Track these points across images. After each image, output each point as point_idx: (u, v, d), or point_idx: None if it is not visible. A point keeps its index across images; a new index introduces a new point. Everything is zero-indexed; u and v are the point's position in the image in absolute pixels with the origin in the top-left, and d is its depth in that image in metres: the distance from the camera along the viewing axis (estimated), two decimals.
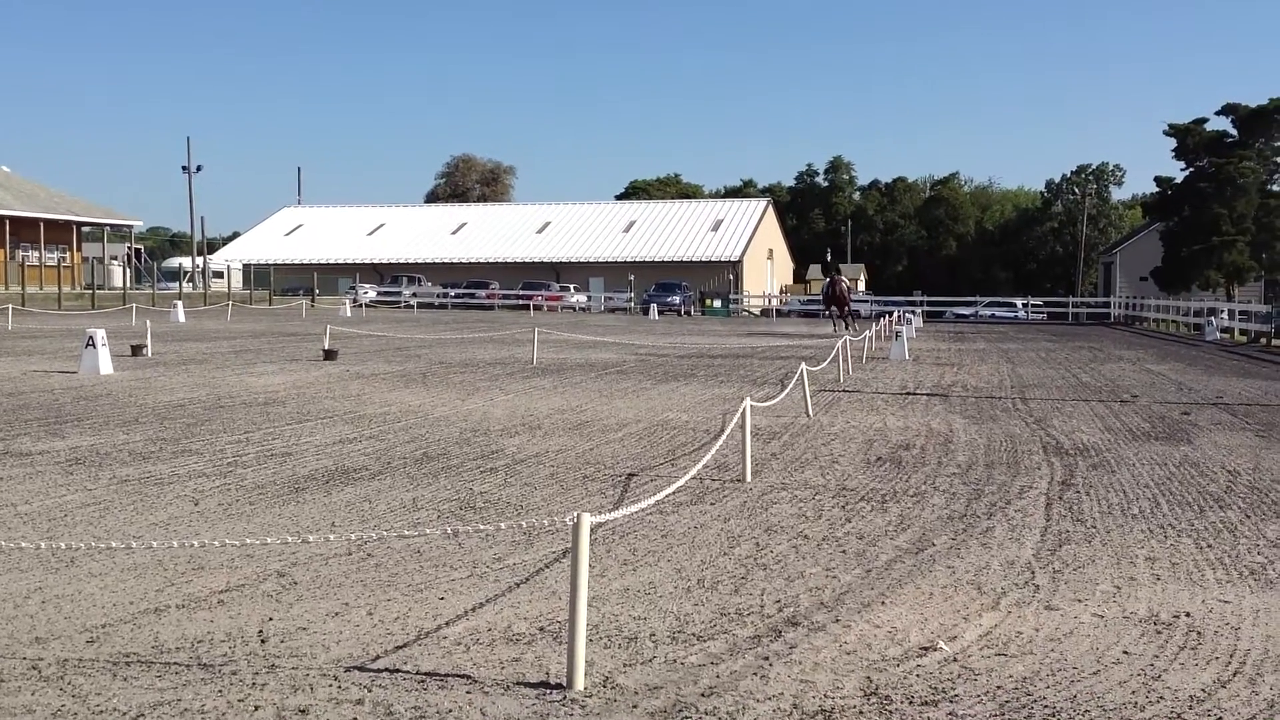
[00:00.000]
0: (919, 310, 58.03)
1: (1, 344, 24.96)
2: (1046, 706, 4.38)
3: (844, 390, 16.81)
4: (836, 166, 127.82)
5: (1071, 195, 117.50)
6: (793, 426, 12.47)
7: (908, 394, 16.58)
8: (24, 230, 63.78)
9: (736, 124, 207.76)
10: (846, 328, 37.90)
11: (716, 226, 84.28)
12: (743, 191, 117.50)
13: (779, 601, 5.73)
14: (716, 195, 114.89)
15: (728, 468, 9.59)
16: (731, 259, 79.38)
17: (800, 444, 11.25)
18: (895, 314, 36.20)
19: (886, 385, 17.96)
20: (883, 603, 5.74)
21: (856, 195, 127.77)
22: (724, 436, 9.29)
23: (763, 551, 6.79)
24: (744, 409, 9.18)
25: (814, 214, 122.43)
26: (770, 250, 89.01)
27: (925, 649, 5.04)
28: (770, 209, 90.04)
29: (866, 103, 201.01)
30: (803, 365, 14.00)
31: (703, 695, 4.40)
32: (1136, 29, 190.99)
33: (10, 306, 37.01)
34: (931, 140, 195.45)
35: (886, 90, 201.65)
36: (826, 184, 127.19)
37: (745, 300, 74.44)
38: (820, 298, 45.84)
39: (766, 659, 4.85)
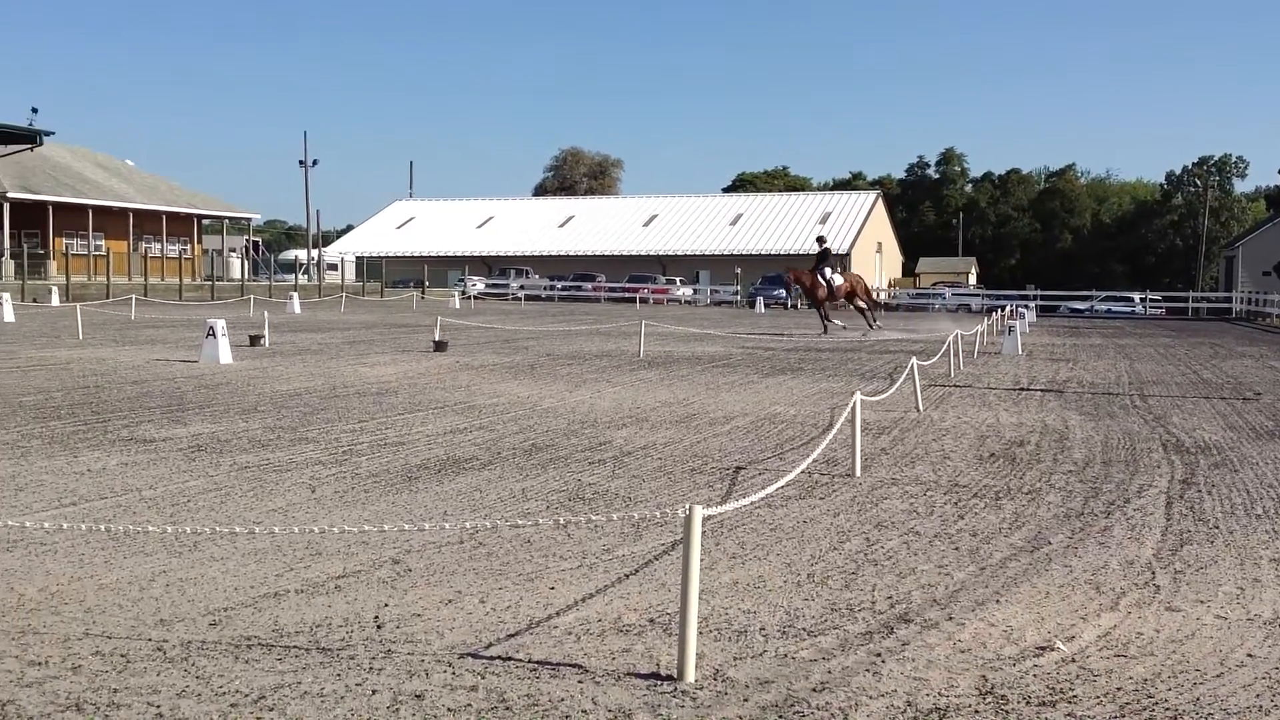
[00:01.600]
0: (1032, 305, 57.02)
1: (125, 333, 25.73)
2: (1168, 709, 4.28)
3: (955, 385, 16.57)
4: (948, 158, 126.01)
5: (1192, 187, 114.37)
6: (903, 421, 12.33)
7: (1021, 389, 16.29)
8: (147, 223, 65.62)
9: (846, 116, 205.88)
10: (869, 324, 33.74)
11: (824, 219, 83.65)
12: (852, 184, 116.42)
13: (890, 598, 5.67)
14: (825, 188, 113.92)
15: (837, 462, 9.51)
16: (840, 252, 78.65)
17: (911, 439, 11.11)
18: (1008, 309, 35.61)
19: (999, 380, 17.68)
20: (997, 601, 5.65)
21: (968, 187, 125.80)
22: (834, 431, 9.22)
23: (873, 547, 6.72)
24: (854, 403, 9.10)
25: (924, 206, 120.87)
26: (879, 243, 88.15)
27: (1042, 649, 4.95)
28: (880, 201, 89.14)
29: (980, 93, 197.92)
30: (913, 359, 13.84)
31: (814, 690, 4.38)
32: (1261, 19, 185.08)
33: (134, 297, 38.14)
34: (1047, 131, 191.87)
35: (1001, 80, 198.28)
36: (938, 176, 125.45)
37: None
38: (791, 286, 36.60)
39: (879, 655, 4.80)
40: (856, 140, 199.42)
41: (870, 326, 33.45)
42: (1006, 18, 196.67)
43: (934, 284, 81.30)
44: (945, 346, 19.14)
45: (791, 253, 79.03)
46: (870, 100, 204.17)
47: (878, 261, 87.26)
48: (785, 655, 4.77)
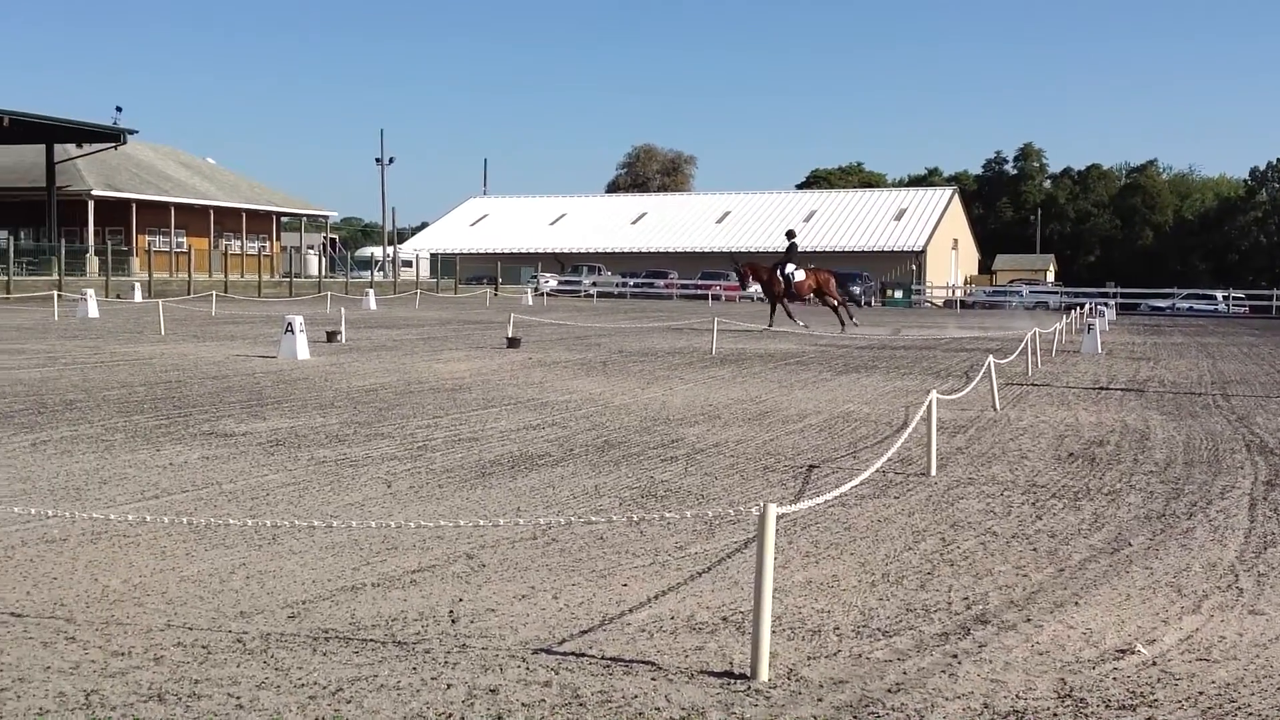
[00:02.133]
0: (1112, 303, 56.14)
1: (206, 329, 26.17)
2: (1251, 714, 4.19)
3: (1032, 384, 16.36)
4: (1026, 154, 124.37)
5: (1277, 184, 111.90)
6: (979, 420, 12.20)
7: (1101, 388, 16.05)
8: (227, 220, 66.69)
9: (922, 111, 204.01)
10: (842, 322, 31.70)
11: (899, 216, 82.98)
12: (927, 180, 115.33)
13: (967, 599, 5.61)
14: (900, 184, 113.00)
15: (911, 461, 9.43)
16: (914, 249, 78.08)
17: (987, 438, 10.99)
18: (1087, 306, 35.08)
19: (1078, 379, 17.42)
20: (1076, 603, 5.57)
21: (1047, 183, 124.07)
22: (909, 430, 9.14)
23: (949, 547, 6.66)
24: (929, 401, 9.01)
25: (1001, 203, 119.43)
26: (955, 240, 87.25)
27: (1122, 651, 4.87)
28: (956, 198, 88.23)
29: (1058, 87, 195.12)
30: (990, 358, 13.68)
31: (889, 691, 4.34)
32: None
33: (214, 293, 38.78)
34: (1128, 126, 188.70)
35: (1080, 75, 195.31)
36: (1015, 172, 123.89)
37: (928, 291, 73.11)
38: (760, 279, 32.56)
39: (955, 657, 4.76)
40: (932, 136, 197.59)
41: (843, 325, 31.48)
42: (1083, 10, 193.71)
43: (1011, 281, 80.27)
44: (1023, 344, 18.90)
45: (865, 249, 78.53)
46: (947, 95, 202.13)
47: (953, 259, 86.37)
48: (860, 655, 4.74)
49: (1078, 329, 28.81)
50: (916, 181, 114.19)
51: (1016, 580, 5.96)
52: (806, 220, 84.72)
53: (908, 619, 5.26)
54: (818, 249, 79.21)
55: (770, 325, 31.08)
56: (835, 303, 32.50)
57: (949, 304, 69.10)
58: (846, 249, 79.05)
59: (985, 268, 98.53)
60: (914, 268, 76.43)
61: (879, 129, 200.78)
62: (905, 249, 78.08)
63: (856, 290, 66.93)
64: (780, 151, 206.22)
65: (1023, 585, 5.87)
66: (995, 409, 13.02)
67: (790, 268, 31.77)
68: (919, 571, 6.11)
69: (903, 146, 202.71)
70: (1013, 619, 5.29)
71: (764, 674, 4.40)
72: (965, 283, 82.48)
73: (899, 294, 68.42)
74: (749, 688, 4.34)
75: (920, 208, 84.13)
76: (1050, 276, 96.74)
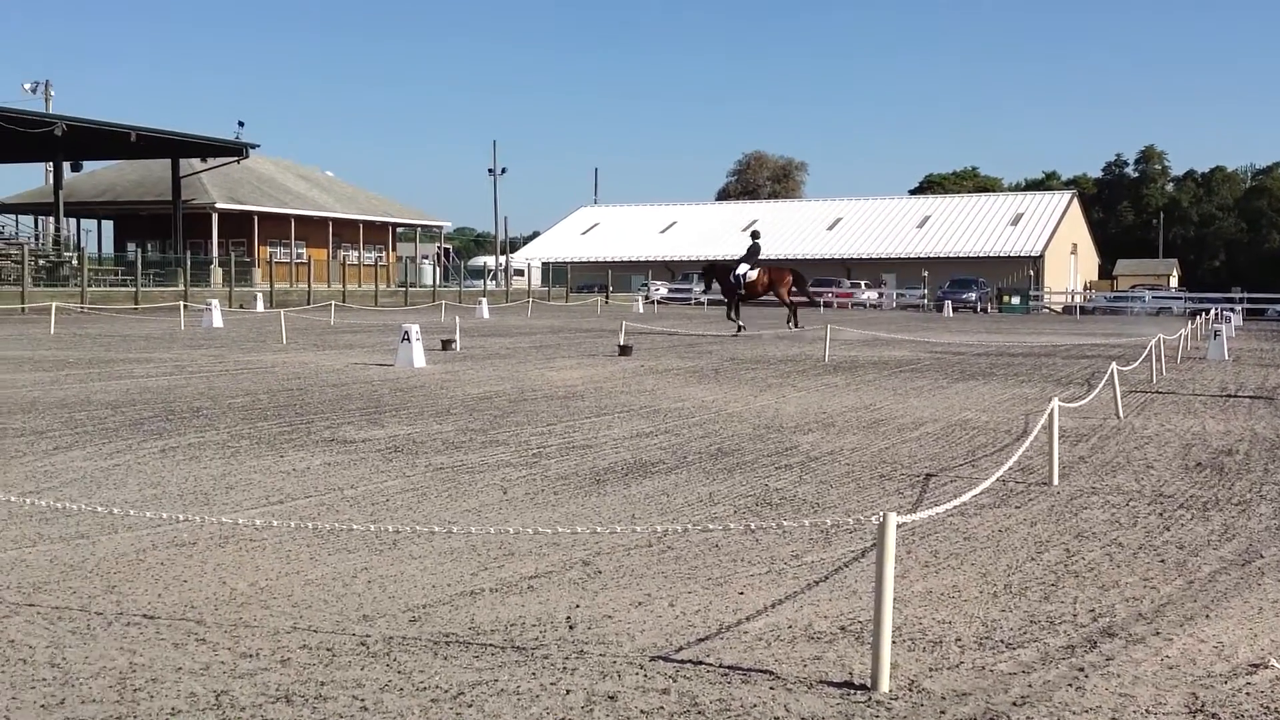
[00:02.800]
0: (1238, 308, 54.52)
1: (325, 338, 26.71)
2: None
3: (1157, 391, 15.95)
4: (1148, 156, 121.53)
5: None
6: (1101, 429, 11.92)
7: (1228, 396, 15.58)
8: (345, 231, 68.04)
9: (1038, 114, 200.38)
10: (787, 322, 31.25)
11: (1016, 220, 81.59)
12: (1045, 184, 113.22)
13: (1093, 611, 5.47)
14: (1016, 188, 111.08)
15: (1032, 470, 9.25)
16: (1032, 254, 76.71)
17: (1110, 447, 10.73)
18: (1212, 312, 34.12)
19: (1204, 386, 16.94)
20: (1206, 616, 5.40)
21: (1169, 186, 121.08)
22: (1030, 438, 8.97)
23: (1073, 558, 6.51)
24: (1051, 409, 8.83)
25: (1122, 206, 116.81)
26: (1074, 245, 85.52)
27: (1255, 666, 4.71)
28: (1075, 202, 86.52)
29: (1181, 88, 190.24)
30: (1113, 365, 13.36)
31: (1014, 704, 4.25)
32: None
33: (333, 303, 39.57)
34: (1253, 127, 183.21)
35: (1203, 74, 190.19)
36: (1136, 175, 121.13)
37: (1046, 297, 71.72)
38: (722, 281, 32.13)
39: (1081, 670, 4.64)
40: (1050, 139, 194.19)
41: (788, 323, 30.89)
42: (1205, 10, 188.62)
43: (1132, 287, 78.47)
44: (1146, 351, 18.44)
45: (981, 255, 77.35)
46: (1065, 97, 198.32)
47: (1072, 264, 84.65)
48: (983, 667, 4.66)
49: (1203, 335, 28.02)
50: (1034, 185, 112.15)
51: (1144, 592, 5.81)
52: (920, 226, 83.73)
53: (1032, 631, 5.15)
54: (931, 255, 78.25)
55: (735, 324, 30.88)
56: (785, 300, 32.03)
57: (1068, 310, 67.74)
58: (961, 255, 77.95)
59: (1106, 273, 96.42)
60: (1031, 273, 75.07)
61: (995, 132, 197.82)
62: (1022, 254, 76.74)
63: (973, 296, 65.98)
64: (893, 156, 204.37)
65: (1150, 598, 5.72)
66: (1119, 417, 12.72)
67: (744, 268, 31.74)
68: (1042, 583, 5.98)
69: (1019, 150, 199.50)
70: (1141, 632, 5.15)
71: (885, 685, 4.35)
72: (1085, 288, 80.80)
73: (1016, 300, 67.23)
74: (869, 699, 4.29)
75: (1038, 212, 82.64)
76: (1173, 282, 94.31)
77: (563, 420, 12.20)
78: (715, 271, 32.94)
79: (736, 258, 32.64)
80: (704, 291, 37.71)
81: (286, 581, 5.79)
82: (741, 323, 31.16)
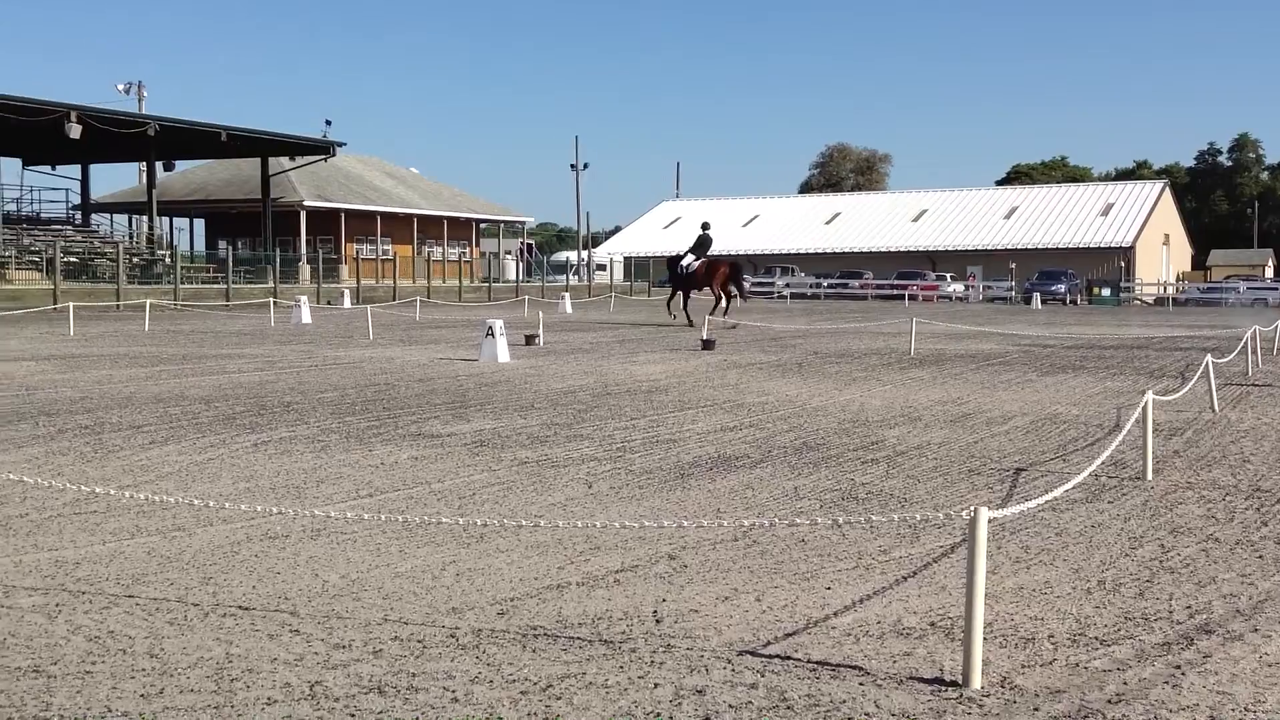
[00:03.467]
0: None
1: (411, 333, 27.01)
2: None
3: (1254, 384, 15.58)
4: (1241, 144, 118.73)
5: None
6: (1196, 422, 11.67)
7: None
8: (430, 228, 68.76)
9: (1128, 102, 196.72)
10: (712, 311, 29.41)
11: (1106, 211, 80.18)
12: (1135, 173, 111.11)
13: (1189, 607, 5.36)
14: (1106, 178, 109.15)
15: (1125, 465, 9.08)
16: (1122, 245, 75.35)
17: (1205, 441, 10.51)
18: None
19: None
20: None
21: (1264, 175, 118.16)
22: (1123, 433, 8.80)
23: (1169, 554, 6.38)
24: (1145, 402, 8.66)
25: (1215, 196, 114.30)
26: (1166, 235, 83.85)
27: None
28: (1166, 191, 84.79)
29: (1275, 74, 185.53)
30: (1207, 357, 13.07)
31: (1109, 702, 4.18)
32: None
33: (418, 299, 39.99)
34: None
35: None
36: (1230, 163, 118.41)
37: (1138, 288, 70.41)
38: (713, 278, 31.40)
39: (1178, 667, 4.55)
40: (1140, 128, 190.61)
41: (710, 312, 28.71)
42: None
43: (1226, 277, 76.70)
44: (1242, 343, 18.02)
45: (1070, 246, 76.15)
46: (1155, 85, 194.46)
47: (1164, 255, 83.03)
48: (1077, 664, 4.58)
49: None
50: (1124, 175, 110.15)
51: (1242, 589, 5.68)
52: (1007, 217, 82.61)
53: (1127, 628, 5.06)
54: (1019, 246, 77.16)
55: (690, 322, 30.18)
56: (715, 292, 31.24)
57: (1160, 301, 66.44)
58: (1050, 246, 76.79)
59: (1199, 264, 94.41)
60: (1122, 264, 73.74)
61: (1083, 122, 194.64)
62: (1112, 245, 75.41)
63: (1061, 288, 64.92)
64: (979, 147, 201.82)
65: (1248, 594, 5.59)
66: (1214, 410, 12.44)
67: (689, 258, 31.84)
68: (1137, 579, 5.87)
69: (1109, 139, 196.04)
70: (1239, 629, 5.04)
71: (977, 682, 4.29)
72: (1177, 279, 79.18)
73: (1106, 292, 66.08)
74: (961, 695, 4.24)
75: (1128, 202, 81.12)
76: (1269, 272, 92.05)
77: (646, 415, 12.21)
78: (668, 263, 33.47)
79: (686, 249, 33.04)
80: (666, 282, 37.99)
81: (377, 574, 5.86)
82: (686, 315, 31.02)
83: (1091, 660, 4.64)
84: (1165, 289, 70.93)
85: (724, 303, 31.11)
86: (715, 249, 34.29)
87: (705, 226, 33.41)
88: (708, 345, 21.71)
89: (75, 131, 42.98)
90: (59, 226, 53.22)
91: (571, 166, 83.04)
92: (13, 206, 53.26)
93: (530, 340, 22.81)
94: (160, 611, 5.20)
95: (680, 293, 32.11)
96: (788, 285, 73.13)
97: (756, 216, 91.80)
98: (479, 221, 75.87)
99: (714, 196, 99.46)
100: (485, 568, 5.99)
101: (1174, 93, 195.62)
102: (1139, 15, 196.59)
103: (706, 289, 31.82)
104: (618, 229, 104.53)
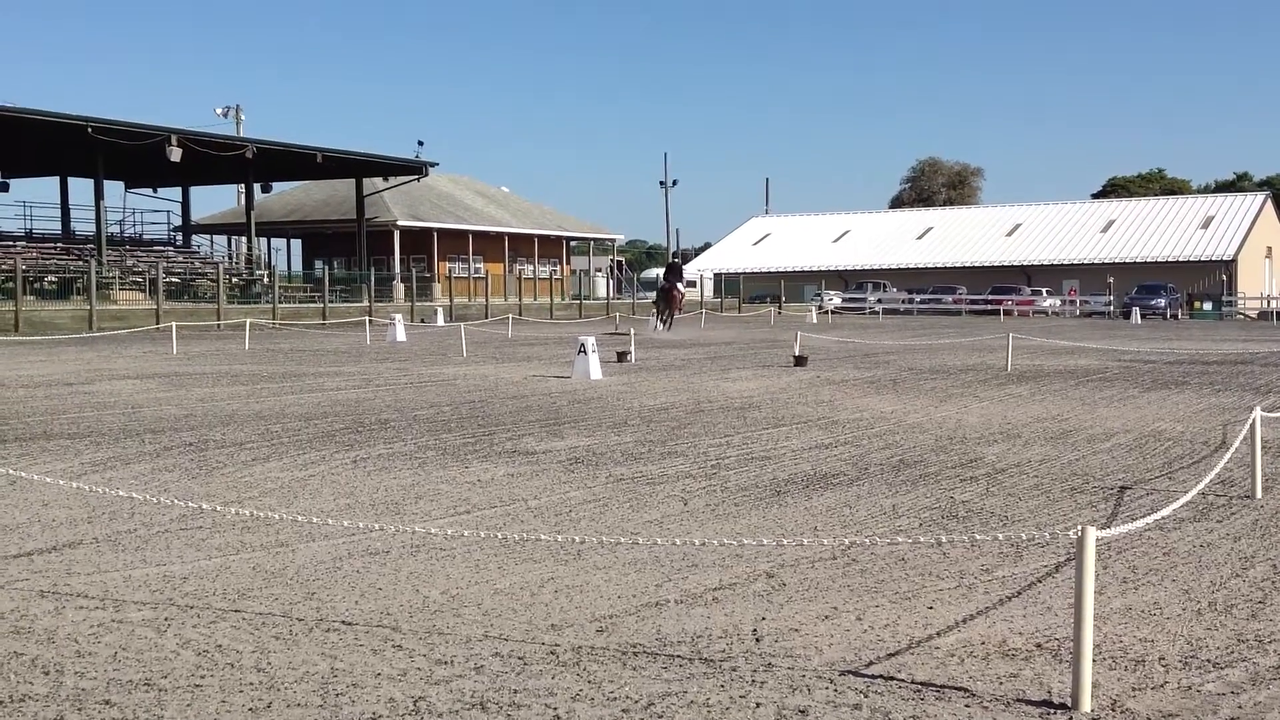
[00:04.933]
0: None
1: (504, 351, 27.23)
2: None
3: None
4: None
5: None
6: None
7: None
8: (521, 246, 69.34)
9: (1227, 113, 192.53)
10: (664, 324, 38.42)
11: (1206, 224, 78.44)
12: (1236, 185, 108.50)
13: None
14: (1206, 190, 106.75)
15: (1233, 483, 8.85)
16: (1224, 258, 73.63)
17: None
18: None
19: None
20: None
21: None
22: (1231, 450, 8.59)
23: None
24: (1253, 419, 8.44)
25: None
26: (1269, 248, 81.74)
27: None
28: (1269, 203, 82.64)
29: None
30: None
31: None
32: None
33: (510, 316, 40.31)
34: None
35: None
36: None
37: (1240, 302, 68.73)
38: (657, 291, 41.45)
39: None
40: (1240, 138, 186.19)
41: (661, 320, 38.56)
42: None
43: None
44: None
45: (1170, 260, 74.64)
46: (1253, 95, 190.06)
47: (1267, 268, 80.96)
48: (1189, 687, 4.47)
49: None
50: (1224, 187, 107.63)
51: None
52: (1104, 231, 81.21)
53: (1239, 650, 4.93)
54: (1116, 260, 75.81)
55: (663, 329, 38.10)
56: (670, 306, 38.99)
57: (1264, 316, 64.78)
58: (1148, 260, 75.32)
59: None
60: (1224, 278, 72.04)
61: (1181, 133, 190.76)
62: (1213, 258, 73.72)
63: (1161, 302, 63.59)
64: (1074, 160, 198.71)
65: None
66: None
67: (663, 281, 39.90)
68: (1249, 600, 5.72)
69: (1208, 151, 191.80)
70: None
71: (1086, 704, 4.20)
72: None
73: (1208, 306, 64.61)
74: (1070, 718, 4.15)
75: (1229, 215, 79.29)
76: None
77: (740, 431, 12.17)
78: (658, 285, 41.23)
79: (663, 274, 41.38)
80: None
81: (477, 590, 5.90)
82: (659, 325, 38.57)
83: (1204, 683, 4.52)
84: (1269, 303, 69.13)
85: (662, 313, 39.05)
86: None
87: (675, 256, 43.39)
88: (800, 361, 21.59)
89: (176, 155, 44.05)
90: (161, 248, 54.53)
91: (660, 183, 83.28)
92: (116, 229, 54.67)
93: (622, 357, 22.86)
94: (266, 626, 5.28)
95: (662, 306, 39.62)
96: (879, 301, 72.54)
97: (847, 232, 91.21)
98: (569, 239, 76.33)
99: (804, 212, 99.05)
100: (583, 585, 6.00)
101: (1274, 103, 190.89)
102: (1236, 27, 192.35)
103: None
104: (707, 245, 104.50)
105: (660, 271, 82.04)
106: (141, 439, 11.57)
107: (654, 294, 41.52)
